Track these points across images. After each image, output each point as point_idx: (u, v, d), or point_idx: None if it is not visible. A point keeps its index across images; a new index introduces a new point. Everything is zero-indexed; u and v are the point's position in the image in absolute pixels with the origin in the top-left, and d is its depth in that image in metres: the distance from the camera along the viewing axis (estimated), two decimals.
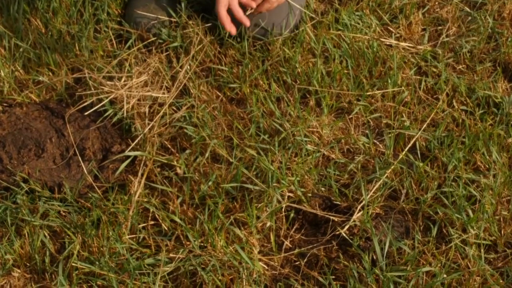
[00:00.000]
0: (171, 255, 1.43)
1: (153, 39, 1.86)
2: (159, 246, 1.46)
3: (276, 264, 1.45)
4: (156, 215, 1.50)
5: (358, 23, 1.94)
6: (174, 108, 1.72)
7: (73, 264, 1.40)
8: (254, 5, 1.82)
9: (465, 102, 1.77)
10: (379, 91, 1.77)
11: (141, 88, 1.72)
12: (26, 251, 1.44)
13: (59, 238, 1.48)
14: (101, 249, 1.43)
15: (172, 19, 1.89)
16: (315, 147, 1.63)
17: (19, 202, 1.50)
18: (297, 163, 1.59)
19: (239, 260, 1.40)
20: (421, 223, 1.51)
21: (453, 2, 2.05)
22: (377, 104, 1.75)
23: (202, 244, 1.44)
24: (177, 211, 1.50)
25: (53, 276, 1.41)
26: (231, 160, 1.60)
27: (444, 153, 1.62)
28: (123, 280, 1.38)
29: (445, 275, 1.38)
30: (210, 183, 1.54)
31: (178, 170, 1.59)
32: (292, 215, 1.52)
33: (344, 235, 1.47)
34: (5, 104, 1.71)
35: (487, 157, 1.61)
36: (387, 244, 1.42)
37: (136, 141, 1.63)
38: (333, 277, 1.41)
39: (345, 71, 1.80)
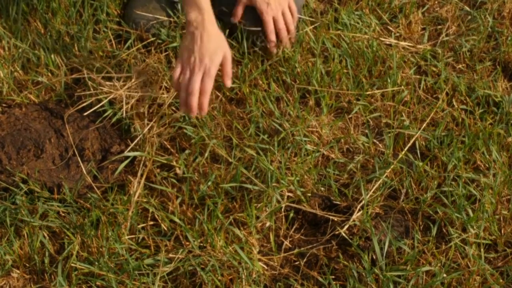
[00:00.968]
0: (170, 255, 1.43)
1: (152, 39, 1.86)
2: (158, 246, 1.46)
3: (276, 264, 1.45)
4: (156, 215, 1.50)
5: (358, 23, 1.93)
6: (174, 108, 1.72)
7: (72, 264, 1.40)
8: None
9: (465, 101, 1.76)
10: (378, 91, 1.76)
11: (140, 88, 1.72)
12: (25, 251, 1.44)
13: (59, 238, 1.48)
14: (101, 249, 1.43)
15: (171, 19, 1.89)
16: (314, 147, 1.63)
17: (18, 203, 1.50)
18: (296, 163, 1.59)
19: (238, 260, 1.40)
20: (421, 223, 1.50)
21: (452, 1, 2.05)
22: (376, 103, 1.75)
23: (201, 244, 1.44)
24: (176, 211, 1.50)
25: (53, 277, 1.41)
26: (230, 160, 1.60)
27: (444, 152, 1.62)
28: (122, 280, 1.38)
29: (445, 275, 1.38)
30: (209, 183, 1.54)
31: (178, 170, 1.59)
32: (291, 215, 1.52)
33: (344, 235, 1.47)
34: (4, 105, 1.71)
35: (487, 156, 1.61)
36: (387, 244, 1.42)
37: (136, 141, 1.63)
38: (333, 277, 1.41)
39: (345, 70, 1.80)
